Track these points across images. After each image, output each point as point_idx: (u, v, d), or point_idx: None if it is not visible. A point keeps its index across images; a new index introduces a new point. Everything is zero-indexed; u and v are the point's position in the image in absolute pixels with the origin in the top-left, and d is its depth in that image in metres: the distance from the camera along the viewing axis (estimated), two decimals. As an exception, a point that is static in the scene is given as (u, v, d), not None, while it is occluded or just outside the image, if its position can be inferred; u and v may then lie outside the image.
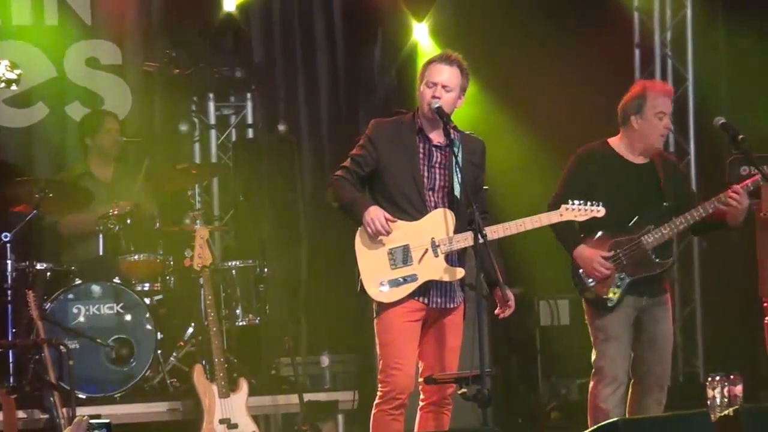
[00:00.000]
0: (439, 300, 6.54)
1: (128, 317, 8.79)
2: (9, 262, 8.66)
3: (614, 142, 7.39)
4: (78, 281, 8.78)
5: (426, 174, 6.52)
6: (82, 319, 8.71)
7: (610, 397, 7.27)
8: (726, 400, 8.23)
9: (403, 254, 6.46)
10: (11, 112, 9.94)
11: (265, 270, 9.53)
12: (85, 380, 8.53)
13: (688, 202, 7.31)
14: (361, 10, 10.68)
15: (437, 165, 6.54)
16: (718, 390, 8.27)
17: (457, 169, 6.44)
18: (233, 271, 9.50)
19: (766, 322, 8.15)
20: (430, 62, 6.56)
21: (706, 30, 10.74)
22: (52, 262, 8.96)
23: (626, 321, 7.31)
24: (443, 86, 6.48)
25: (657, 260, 7.28)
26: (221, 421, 8.20)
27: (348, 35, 10.86)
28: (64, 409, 8.14)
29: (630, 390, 7.40)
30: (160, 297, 9.24)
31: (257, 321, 9.44)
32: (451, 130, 6.48)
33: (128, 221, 9.00)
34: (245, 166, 10.33)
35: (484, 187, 6.81)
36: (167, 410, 8.70)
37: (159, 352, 8.89)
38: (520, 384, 10.39)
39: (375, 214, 6.41)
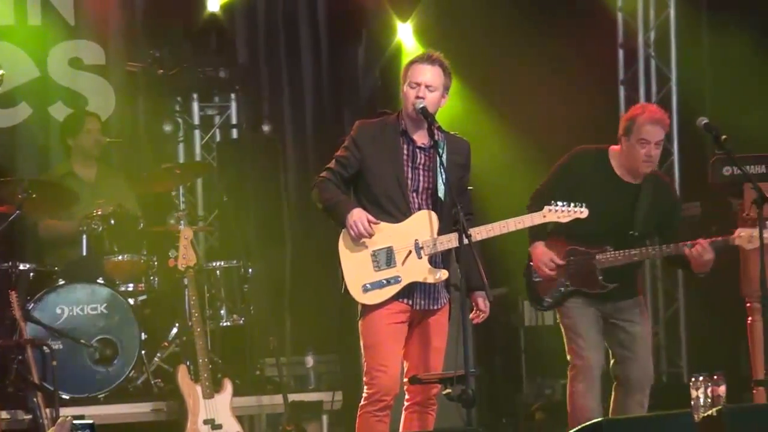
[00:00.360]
0: (423, 302, 6.54)
1: (112, 318, 8.77)
2: (-8, 262, 8.66)
3: (613, 153, 7.38)
4: (61, 282, 8.76)
5: (410, 175, 6.51)
6: (65, 319, 8.69)
7: (586, 393, 7.31)
8: (709, 400, 8.26)
9: (387, 256, 6.46)
10: (-6, 113, 9.94)
11: (250, 270, 9.52)
12: (68, 381, 8.51)
13: (664, 234, 7.30)
14: (346, 11, 10.68)
15: (421, 166, 6.54)
16: (701, 390, 8.30)
17: (442, 170, 6.44)
18: (217, 272, 9.50)
19: (749, 322, 8.17)
20: (412, 63, 6.56)
21: (689, 30, 10.76)
22: (36, 262, 8.94)
23: (593, 318, 7.35)
24: (427, 86, 6.48)
25: (601, 280, 7.30)
26: (205, 422, 8.19)
27: (332, 35, 10.86)
28: (48, 410, 8.12)
29: (612, 392, 7.43)
30: (144, 297, 9.23)
31: (242, 321, 9.43)
32: (436, 131, 6.48)
33: (112, 221, 8.99)
34: (229, 167, 10.32)
35: (469, 188, 6.82)
36: (151, 411, 8.69)
37: (143, 352, 8.87)
38: (504, 384, 10.40)
39: (358, 217, 6.41)
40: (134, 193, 9.54)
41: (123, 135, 10.08)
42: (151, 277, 9.19)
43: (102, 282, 8.85)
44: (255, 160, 10.19)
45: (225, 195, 10.28)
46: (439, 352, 6.59)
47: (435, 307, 6.57)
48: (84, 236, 8.97)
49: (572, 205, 6.67)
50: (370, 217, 6.42)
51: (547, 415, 10.15)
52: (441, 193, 6.49)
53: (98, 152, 9.47)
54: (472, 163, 6.71)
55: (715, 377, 8.34)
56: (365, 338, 6.52)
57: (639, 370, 7.35)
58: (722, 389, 8.31)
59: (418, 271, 6.46)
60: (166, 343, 9.16)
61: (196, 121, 10.55)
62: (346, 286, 6.48)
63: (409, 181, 6.51)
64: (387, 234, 6.46)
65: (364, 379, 6.51)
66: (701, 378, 8.35)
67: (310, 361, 9.74)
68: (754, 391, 8.09)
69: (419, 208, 6.50)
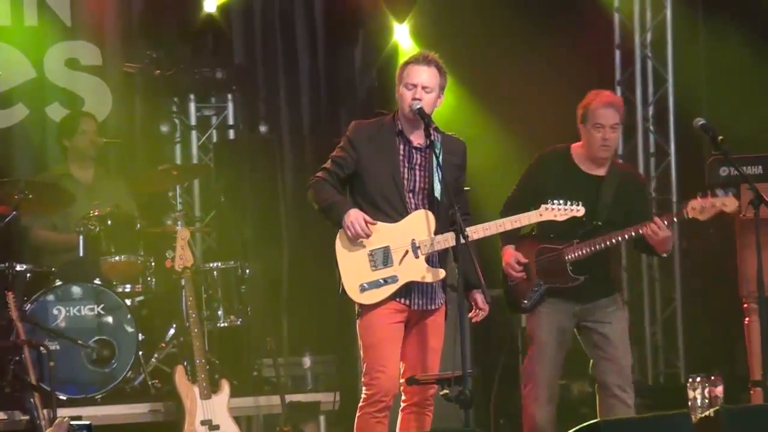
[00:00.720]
0: (420, 301, 6.54)
1: (109, 318, 8.77)
2: (-12, 263, 8.65)
3: (575, 148, 7.43)
4: (58, 282, 8.75)
5: (406, 176, 6.52)
6: (62, 320, 8.68)
7: (536, 402, 7.37)
8: (707, 400, 8.26)
9: (384, 256, 6.46)
10: (-9, 114, 9.94)
11: (247, 271, 9.51)
12: (65, 381, 8.50)
13: (634, 221, 7.24)
14: (342, 11, 10.69)
15: (417, 167, 6.54)
16: (698, 391, 8.30)
17: (438, 171, 6.45)
18: (215, 272, 9.48)
19: (746, 323, 8.18)
20: (407, 63, 6.56)
21: (686, 31, 10.77)
22: (33, 263, 8.93)
23: (554, 327, 7.34)
24: (423, 87, 6.48)
25: (572, 273, 7.29)
26: (203, 423, 8.19)
27: (329, 36, 10.86)
28: (45, 411, 8.11)
29: (597, 395, 7.43)
30: (141, 298, 9.23)
31: (239, 322, 9.42)
32: (432, 131, 6.48)
33: (109, 222, 8.98)
34: (226, 167, 10.32)
35: (465, 188, 6.82)
36: (148, 411, 8.68)
37: (140, 353, 8.86)
38: (501, 385, 10.39)
39: (355, 217, 6.41)
40: (131, 194, 9.53)
41: (120, 136, 10.07)
42: (149, 278, 9.17)
43: (99, 283, 8.84)
44: (252, 160, 10.19)
45: (222, 196, 10.28)
46: (436, 352, 6.60)
47: (432, 307, 6.58)
48: (81, 237, 8.96)
49: (569, 203, 6.69)
50: (367, 218, 6.43)
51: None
52: (437, 193, 6.49)
53: (94, 153, 9.46)
54: (468, 163, 6.72)
55: (713, 378, 8.35)
56: (364, 338, 6.52)
57: (614, 371, 7.31)
58: (719, 390, 8.32)
59: (415, 270, 6.46)
60: (163, 344, 9.15)
61: (193, 121, 10.55)
62: (343, 287, 6.48)
63: (406, 181, 6.51)
64: (384, 234, 6.46)
65: (363, 379, 6.51)
66: (698, 378, 8.35)
67: (307, 361, 9.73)
68: (752, 392, 8.10)
69: (416, 208, 6.51)
